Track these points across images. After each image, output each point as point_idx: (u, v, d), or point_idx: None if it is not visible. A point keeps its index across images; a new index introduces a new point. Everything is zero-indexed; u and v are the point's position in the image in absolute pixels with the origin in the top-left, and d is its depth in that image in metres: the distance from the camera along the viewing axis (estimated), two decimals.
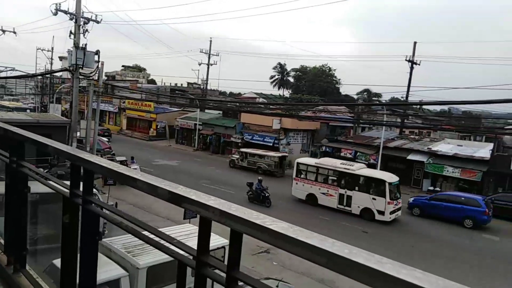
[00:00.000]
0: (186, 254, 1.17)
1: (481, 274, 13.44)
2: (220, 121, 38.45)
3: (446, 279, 0.68)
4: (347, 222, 18.23)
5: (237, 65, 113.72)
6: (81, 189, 1.64)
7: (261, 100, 49.96)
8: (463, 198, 19.86)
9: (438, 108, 60.23)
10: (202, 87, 50.72)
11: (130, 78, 61.84)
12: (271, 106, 38.93)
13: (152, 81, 70.57)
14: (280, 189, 22.63)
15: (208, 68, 47.05)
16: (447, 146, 28.95)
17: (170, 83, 58.88)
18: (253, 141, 34.55)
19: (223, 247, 8.26)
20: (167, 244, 1.27)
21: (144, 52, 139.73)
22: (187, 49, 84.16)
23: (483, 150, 26.98)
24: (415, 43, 34.87)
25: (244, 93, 58.34)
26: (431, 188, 27.06)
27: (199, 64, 46.38)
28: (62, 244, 1.70)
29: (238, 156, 30.22)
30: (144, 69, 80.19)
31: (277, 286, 7.49)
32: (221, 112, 40.00)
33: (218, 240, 8.11)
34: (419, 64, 34.74)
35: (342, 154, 31.82)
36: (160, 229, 1.30)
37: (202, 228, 1.11)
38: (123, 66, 72.06)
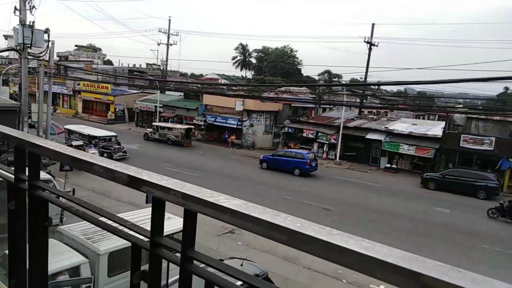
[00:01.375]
0: (140, 236, 1.15)
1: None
2: (181, 103, 37.71)
3: (390, 247, 0.70)
4: None
5: (198, 45, 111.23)
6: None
7: (223, 81, 49.45)
8: (294, 153, 24.97)
9: (395, 88, 62.46)
10: (162, 68, 49.26)
11: (85, 59, 58.76)
12: (233, 88, 38.71)
13: (109, 62, 67.54)
14: (190, 159, 25.75)
15: (167, 48, 45.76)
16: (402, 125, 30.27)
17: (128, 64, 56.59)
18: (216, 123, 34.31)
19: None
20: (125, 230, 1.23)
21: (98, 32, 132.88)
22: (145, 29, 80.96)
23: (435, 128, 28.48)
24: (373, 24, 35.63)
25: (206, 74, 57.42)
26: (388, 165, 28.34)
27: (158, 44, 45.02)
28: (9, 233, 1.61)
29: (151, 130, 33.09)
30: (100, 49, 76.45)
31: (241, 265, 7.61)
32: (182, 94, 39.22)
33: (181, 223, 8.06)
34: (377, 46, 35.64)
35: (304, 134, 32.45)
36: (121, 214, 1.27)
37: (156, 209, 1.08)
38: (76, 45, 68.19)
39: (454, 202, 20.57)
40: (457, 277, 0.60)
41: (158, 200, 1.06)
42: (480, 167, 24.82)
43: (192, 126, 33.75)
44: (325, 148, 31.48)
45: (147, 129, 34.66)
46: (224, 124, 33.84)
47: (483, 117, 28.75)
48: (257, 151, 32.47)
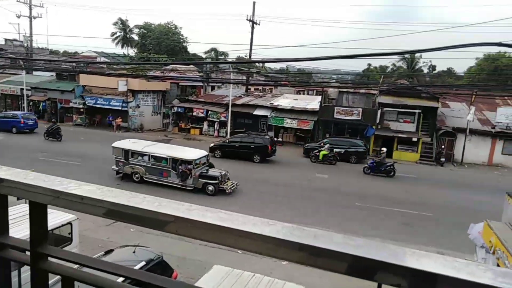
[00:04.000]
0: None
1: None
2: (54, 84, 33.60)
3: (245, 215, 0.72)
4: None
5: (70, 20, 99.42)
6: None
7: (102, 59, 45.54)
8: (11, 115, 28.91)
9: (277, 66, 65.78)
10: (26, 44, 42.89)
11: None
12: (115, 66, 35.96)
13: None
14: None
15: (30, 21, 39.87)
16: (285, 100, 32.21)
17: None
18: (97, 105, 31.63)
19: (69, 223, 7.56)
20: None
21: None
22: None
23: (313, 102, 31.02)
24: (254, 3, 36.50)
25: (82, 52, 52.10)
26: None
27: (18, 17, 38.81)
28: None
29: None
30: None
31: (133, 252, 7.34)
32: (54, 74, 34.91)
33: (62, 216, 7.37)
34: (258, 24, 36.76)
35: (194, 113, 32.15)
36: None
37: None
38: None
39: (332, 167, 23.01)
40: (300, 235, 0.64)
41: None
42: (351, 135, 28.09)
43: None
44: (216, 126, 31.78)
45: None
46: (107, 106, 31.40)
47: (352, 90, 32.28)
48: (146, 133, 31.11)
